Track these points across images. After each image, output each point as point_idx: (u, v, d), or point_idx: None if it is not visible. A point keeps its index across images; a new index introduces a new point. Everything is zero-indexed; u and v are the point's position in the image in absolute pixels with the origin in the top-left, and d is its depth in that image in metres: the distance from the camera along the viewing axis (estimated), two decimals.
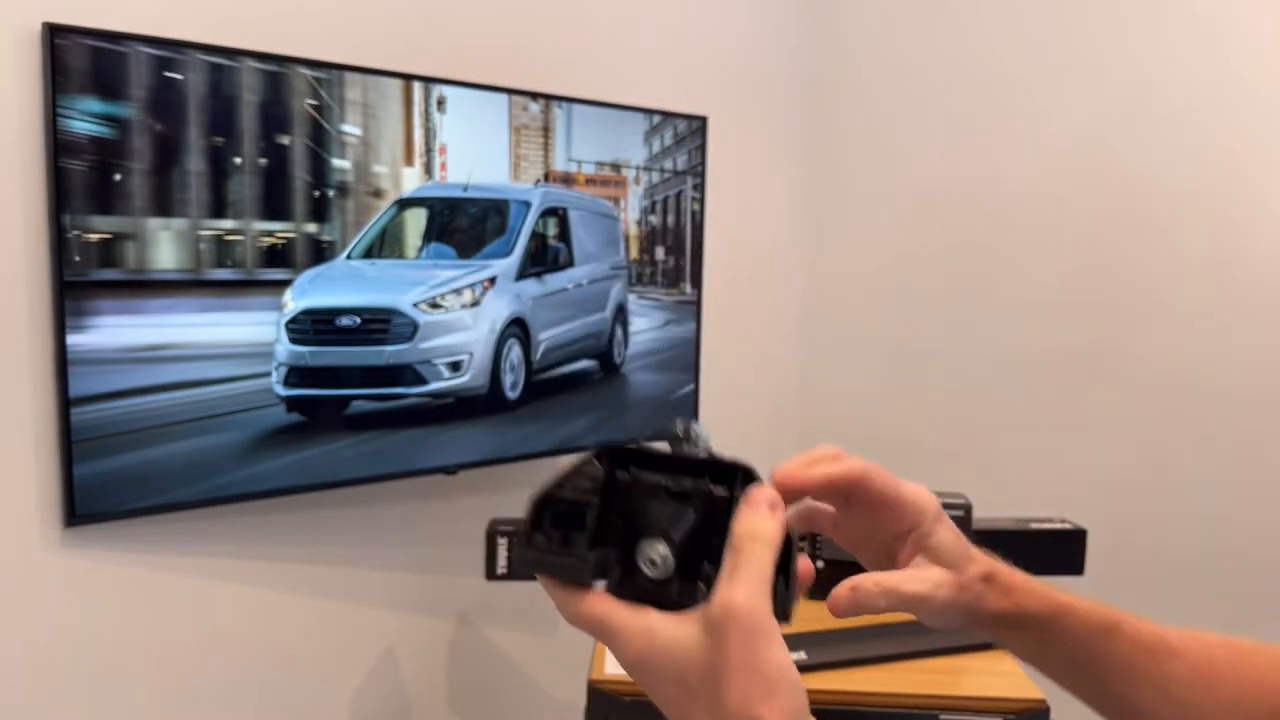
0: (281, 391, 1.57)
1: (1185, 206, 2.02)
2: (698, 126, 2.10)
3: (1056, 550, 1.62)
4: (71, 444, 1.38)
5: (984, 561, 0.56)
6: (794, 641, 1.38)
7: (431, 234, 1.71)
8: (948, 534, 0.56)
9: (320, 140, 1.56)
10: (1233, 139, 1.97)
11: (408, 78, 1.65)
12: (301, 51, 1.55)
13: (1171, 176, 2.03)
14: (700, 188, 2.13)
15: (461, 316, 1.73)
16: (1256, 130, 1.95)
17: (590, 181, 1.92)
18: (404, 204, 1.67)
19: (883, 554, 0.56)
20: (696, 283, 2.14)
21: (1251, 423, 1.99)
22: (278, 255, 1.55)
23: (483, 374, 1.76)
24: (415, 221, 1.69)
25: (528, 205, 1.82)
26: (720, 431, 2.50)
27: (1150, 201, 2.06)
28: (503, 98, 1.77)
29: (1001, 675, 1.34)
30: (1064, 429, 2.19)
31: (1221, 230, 1.99)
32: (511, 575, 1.56)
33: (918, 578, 0.54)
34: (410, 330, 1.67)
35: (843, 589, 0.53)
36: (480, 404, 1.77)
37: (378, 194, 1.63)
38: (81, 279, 1.38)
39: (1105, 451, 2.14)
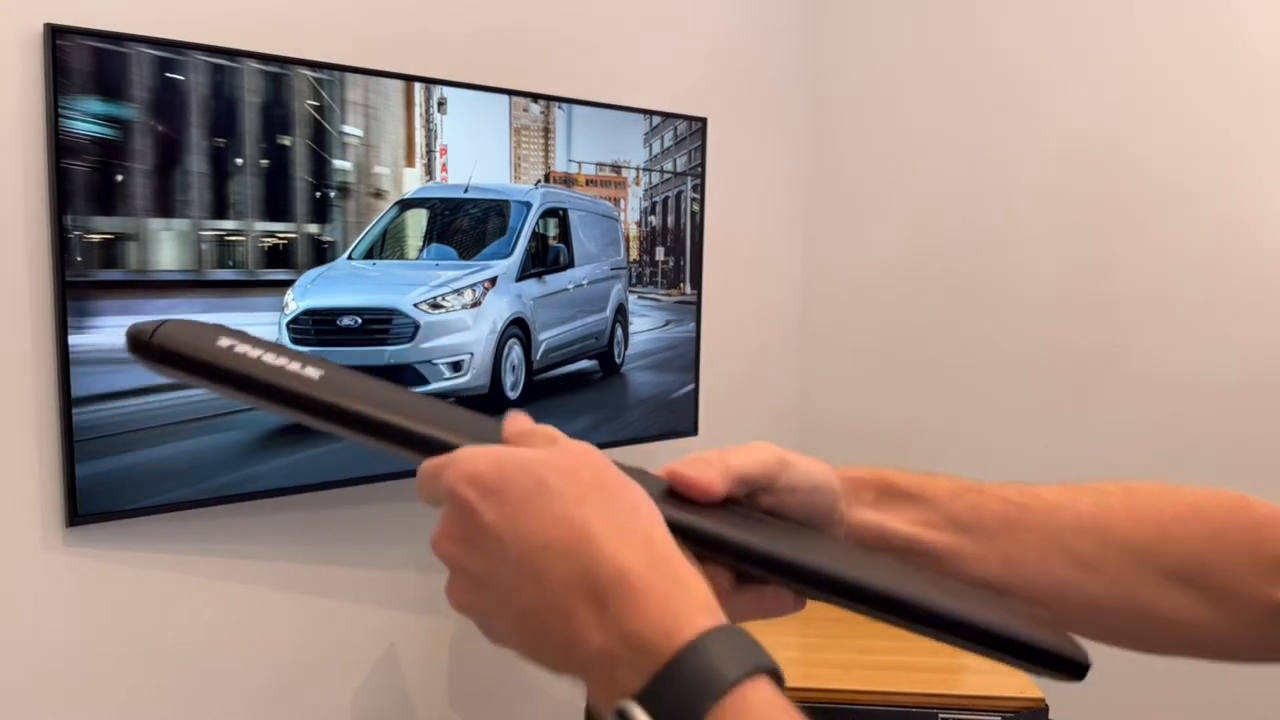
0: None
1: (1186, 203, 2.03)
2: (697, 128, 2.10)
3: None
4: (74, 444, 1.39)
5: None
6: None
7: (432, 235, 1.72)
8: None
9: (321, 141, 1.57)
10: (1236, 134, 1.97)
11: (409, 79, 1.65)
12: (303, 53, 1.55)
13: (1173, 172, 2.04)
14: (700, 188, 2.13)
15: (462, 317, 1.74)
16: (1260, 125, 1.95)
17: (590, 182, 1.93)
18: (405, 205, 1.68)
19: None
20: (696, 283, 2.15)
21: (1253, 422, 1.99)
22: (279, 256, 1.55)
23: (483, 374, 1.77)
24: (416, 222, 1.70)
25: (528, 206, 1.82)
26: (720, 431, 2.51)
27: (1151, 199, 2.07)
28: (503, 99, 1.78)
29: (1001, 674, 1.35)
30: (1064, 428, 2.20)
31: (1224, 227, 2.00)
32: None
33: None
34: (411, 330, 1.68)
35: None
36: (481, 404, 1.78)
37: (379, 195, 1.64)
38: (83, 279, 1.38)
39: (1106, 451, 2.14)
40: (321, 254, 1.59)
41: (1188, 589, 0.51)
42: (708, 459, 0.45)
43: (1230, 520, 0.53)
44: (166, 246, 1.45)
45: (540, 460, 0.39)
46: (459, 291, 1.73)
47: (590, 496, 0.38)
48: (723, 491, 0.44)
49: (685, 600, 0.35)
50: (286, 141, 1.54)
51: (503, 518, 0.37)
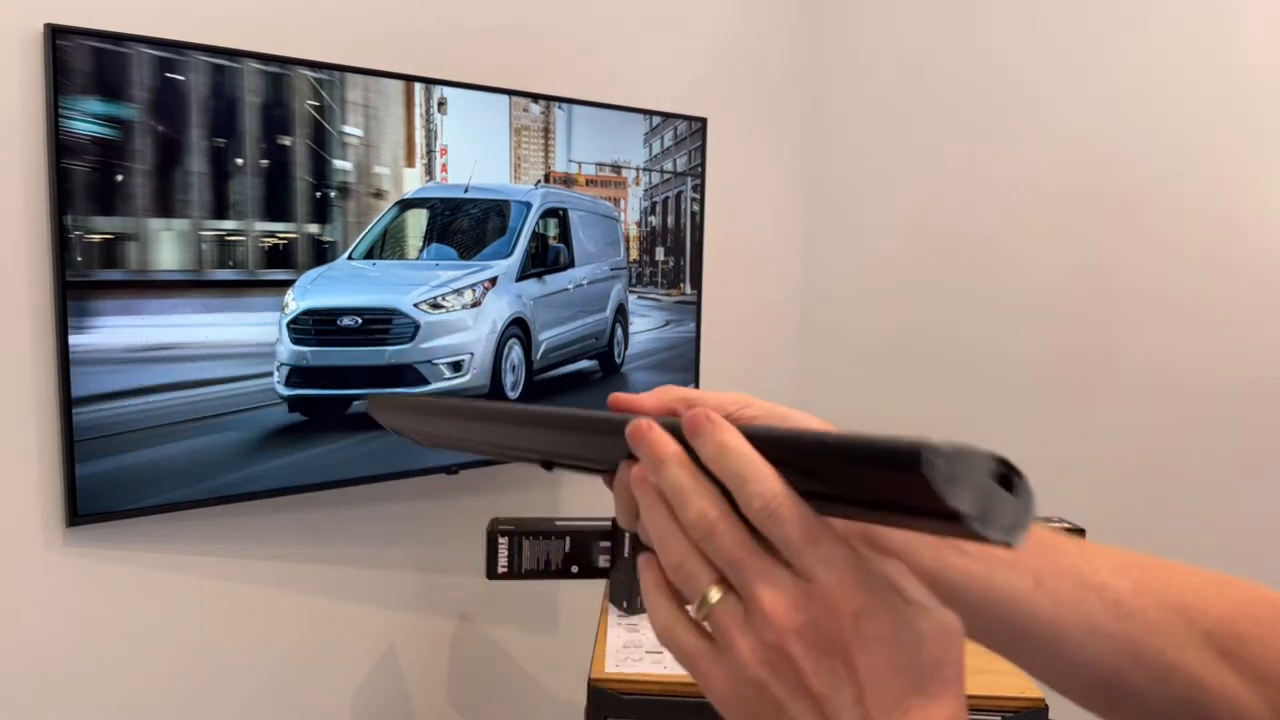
0: (283, 391, 1.57)
1: (1184, 204, 2.03)
2: (698, 128, 2.10)
3: None
4: (74, 444, 1.39)
5: None
6: None
7: (433, 235, 1.72)
8: None
9: (322, 141, 1.57)
10: (1233, 135, 1.97)
11: (409, 79, 1.65)
12: (303, 53, 1.56)
13: (1171, 174, 2.04)
14: (700, 188, 2.13)
15: (462, 317, 1.74)
16: (1257, 128, 1.95)
17: (590, 182, 1.93)
18: (405, 205, 1.68)
19: None
20: (696, 283, 2.15)
21: (1252, 421, 1.99)
22: (279, 256, 1.55)
23: (483, 374, 1.77)
24: (416, 222, 1.70)
25: (528, 206, 1.82)
26: None
27: (1149, 200, 2.07)
28: (503, 99, 1.78)
29: (1000, 674, 1.35)
30: (1064, 428, 2.20)
31: (1222, 228, 2.00)
32: (511, 574, 1.57)
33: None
34: (411, 330, 1.68)
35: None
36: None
37: (379, 195, 1.64)
38: (84, 279, 1.38)
39: (1106, 451, 2.15)
40: (322, 254, 1.59)
41: (1226, 662, 0.46)
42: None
43: (1256, 594, 0.48)
44: (167, 246, 1.45)
45: (924, 638, 0.36)
46: (459, 291, 1.73)
47: (950, 696, 0.36)
48: (652, 407, 0.44)
49: None
50: (287, 141, 1.54)
51: (872, 674, 0.35)
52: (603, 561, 1.59)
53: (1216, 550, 2.03)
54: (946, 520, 0.33)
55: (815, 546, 0.36)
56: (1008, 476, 0.33)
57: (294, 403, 1.59)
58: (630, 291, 2.03)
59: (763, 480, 0.37)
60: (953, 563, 0.46)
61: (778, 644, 0.36)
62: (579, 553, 1.58)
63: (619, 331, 2.02)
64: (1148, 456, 2.09)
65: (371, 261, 1.64)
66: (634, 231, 2.02)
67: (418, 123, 1.67)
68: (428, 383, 1.70)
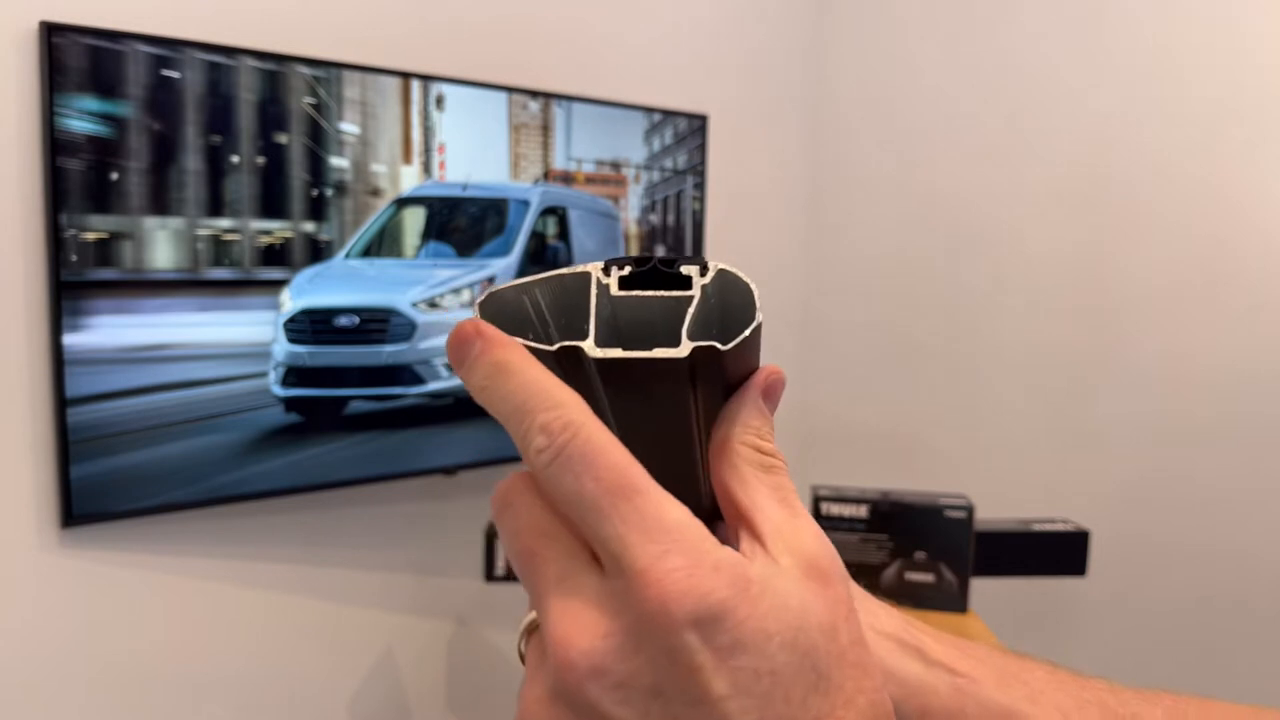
0: (279, 392, 1.56)
1: (1187, 204, 2.02)
2: (698, 125, 2.09)
3: (1060, 551, 1.62)
4: (68, 444, 1.38)
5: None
6: None
7: (430, 233, 1.71)
8: None
9: (318, 139, 1.56)
10: (1237, 131, 1.96)
11: (406, 76, 1.64)
12: (299, 50, 1.54)
13: (1174, 173, 2.02)
14: (701, 186, 2.12)
15: (460, 316, 1.73)
16: (1259, 127, 1.94)
17: (590, 180, 1.91)
18: (402, 203, 1.66)
19: None
20: None
21: (1255, 420, 1.98)
22: (275, 254, 1.54)
23: None
24: (414, 221, 1.69)
25: (527, 204, 1.81)
26: None
27: (1152, 199, 2.05)
28: (502, 96, 1.76)
29: None
30: (1067, 427, 2.18)
31: (1224, 227, 1.98)
32: (511, 576, 1.56)
33: None
34: (409, 330, 1.66)
35: None
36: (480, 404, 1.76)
37: (376, 193, 1.63)
38: (78, 279, 1.37)
39: (1109, 450, 2.13)
40: (318, 253, 1.58)
41: None
42: None
43: None
44: (162, 245, 1.43)
45: (807, 613, 0.24)
46: (457, 291, 1.72)
47: (856, 699, 0.25)
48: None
49: None
50: (283, 139, 1.52)
51: (747, 702, 0.23)
52: None
53: (1217, 546, 2.02)
54: (583, 368, 0.24)
55: (626, 501, 0.23)
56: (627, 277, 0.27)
57: (290, 403, 1.57)
58: None
59: (553, 408, 0.24)
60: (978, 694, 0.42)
61: (572, 691, 0.23)
62: None
63: None
64: (1154, 456, 2.08)
65: (368, 260, 1.63)
66: (634, 230, 2.01)
67: (415, 120, 1.65)
68: (424, 383, 1.69)
